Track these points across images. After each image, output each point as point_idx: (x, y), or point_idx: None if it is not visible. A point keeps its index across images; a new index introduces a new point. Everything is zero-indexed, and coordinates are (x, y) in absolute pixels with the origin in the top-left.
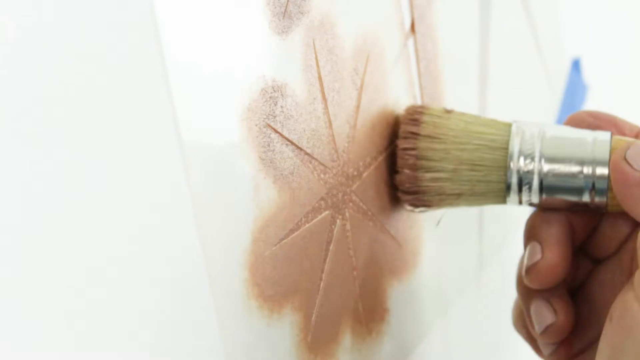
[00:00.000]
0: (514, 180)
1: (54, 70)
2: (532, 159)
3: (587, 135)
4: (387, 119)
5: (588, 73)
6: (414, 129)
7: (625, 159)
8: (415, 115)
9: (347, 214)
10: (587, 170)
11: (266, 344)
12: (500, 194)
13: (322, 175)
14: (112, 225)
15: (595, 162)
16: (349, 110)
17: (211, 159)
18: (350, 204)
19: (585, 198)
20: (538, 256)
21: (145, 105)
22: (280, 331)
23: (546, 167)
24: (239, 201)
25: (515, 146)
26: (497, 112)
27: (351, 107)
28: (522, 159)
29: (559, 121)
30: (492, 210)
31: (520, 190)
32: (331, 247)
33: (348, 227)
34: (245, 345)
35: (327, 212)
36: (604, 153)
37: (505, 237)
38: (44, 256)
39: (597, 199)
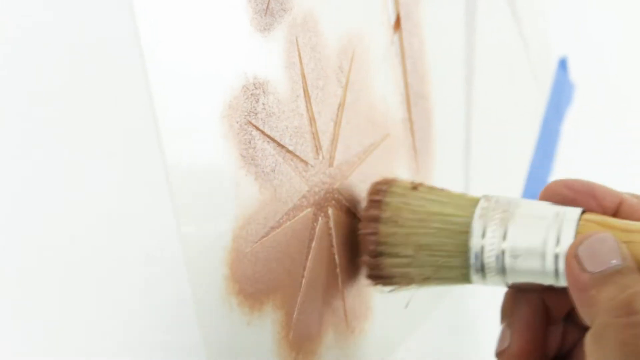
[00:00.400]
0: (477, 266)
1: (32, 65)
2: (495, 243)
3: (555, 214)
4: (372, 117)
5: (575, 72)
6: (375, 212)
7: (576, 257)
8: (378, 195)
9: (329, 212)
10: (550, 253)
11: (247, 341)
12: (466, 278)
13: (304, 173)
14: (89, 221)
15: (559, 246)
16: (333, 108)
17: (192, 156)
18: (333, 202)
19: (550, 281)
20: (506, 342)
21: (124, 102)
22: (261, 328)
23: (509, 251)
24: (220, 198)
25: (477, 230)
26: (483, 110)
27: (335, 105)
28: (483, 243)
29: (546, 120)
30: None
31: (484, 275)
32: (313, 245)
33: (331, 224)
34: (226, 343)
35: (309, 210)
36: (569, 236)
37: None
38: (21, 251)
39: (562, 283)
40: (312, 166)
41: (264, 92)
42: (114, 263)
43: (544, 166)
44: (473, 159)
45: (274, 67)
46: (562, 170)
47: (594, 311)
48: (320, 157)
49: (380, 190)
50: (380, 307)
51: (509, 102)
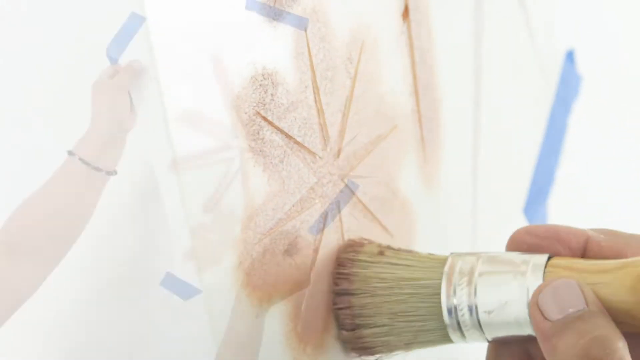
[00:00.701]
0: (453, 325)
1: (35, 60)
2: (466, 301)
3: (522, 263)
4: (380, 108)
5: (582, 64)
6: (345, 285)
7: (537, 305)
8: (345, 267)
9: (338, 204)
10: (522, 304)
11: (256, 332)
12: (446, 338)
13: (312, 165)
14: (99, 213)
15: (529, 296)
16: (342, 99)
17: (200, 147)
18: (341, 194)
19: (529, 331)
20: None
21: (133, 90)
22: (269, 320)
23: (481, 307)
24: (228, 189)
25: (447, 290)
26: (491, 101)
27: (344, 96)
28: (456, 303)
29: (553, 112)
30: (485, 212)
31: (462, 334)
32: (321, 237)
33: (339, 216)
34: (235, 334)
35: (317, 202)
36: (536, 285)
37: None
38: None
39: None
40: (320, 157)
41: (272, 83)
42: (120, 256)
43: (551, 158)
44: (481, 151)
45: (282, 58)
46: (570, 162)
47: None
48: (328, 149)
49: (348, 260)
50: None
51: (517, 94)
